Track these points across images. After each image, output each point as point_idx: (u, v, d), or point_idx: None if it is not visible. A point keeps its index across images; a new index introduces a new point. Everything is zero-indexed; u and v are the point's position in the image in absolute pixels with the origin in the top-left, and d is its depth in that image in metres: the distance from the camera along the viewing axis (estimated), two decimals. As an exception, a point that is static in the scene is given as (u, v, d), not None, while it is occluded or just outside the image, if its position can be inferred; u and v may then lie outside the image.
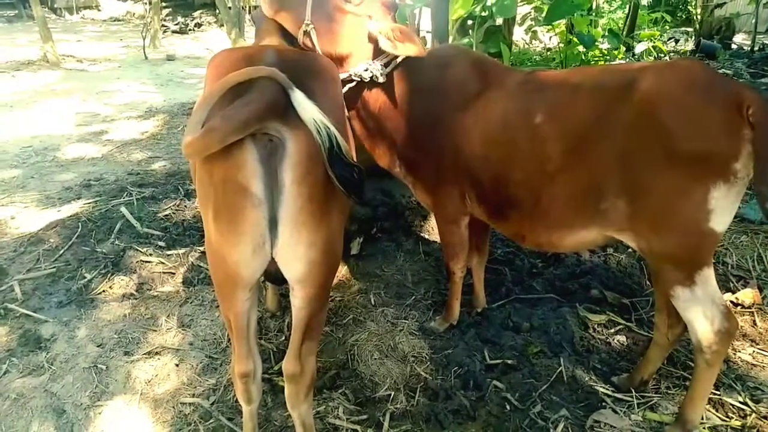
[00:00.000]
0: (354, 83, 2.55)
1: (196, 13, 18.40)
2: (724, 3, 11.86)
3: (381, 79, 2.51)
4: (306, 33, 2.47)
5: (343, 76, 2.53)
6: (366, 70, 2.49)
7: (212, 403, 2.46)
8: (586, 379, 2.58)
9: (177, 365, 2.68)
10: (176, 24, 17.08)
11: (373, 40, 2.49)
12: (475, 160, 2.42)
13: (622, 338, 2.86)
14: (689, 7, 14.66)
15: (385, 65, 2.51)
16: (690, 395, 2.18)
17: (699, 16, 12.42)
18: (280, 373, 2.48)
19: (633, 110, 1.98)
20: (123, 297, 3.19)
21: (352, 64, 2.54)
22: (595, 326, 2.94)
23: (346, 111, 2.57)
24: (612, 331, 2.92)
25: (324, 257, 1.80)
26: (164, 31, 15.41)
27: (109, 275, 3.35)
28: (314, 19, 2.45)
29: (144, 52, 11.76)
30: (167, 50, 12.63)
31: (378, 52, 2.53)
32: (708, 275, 2.02)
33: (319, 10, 2.45)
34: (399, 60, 2.53)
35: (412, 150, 2.63)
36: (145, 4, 15.67)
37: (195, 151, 1.63)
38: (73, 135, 6.44)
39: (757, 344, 2.80)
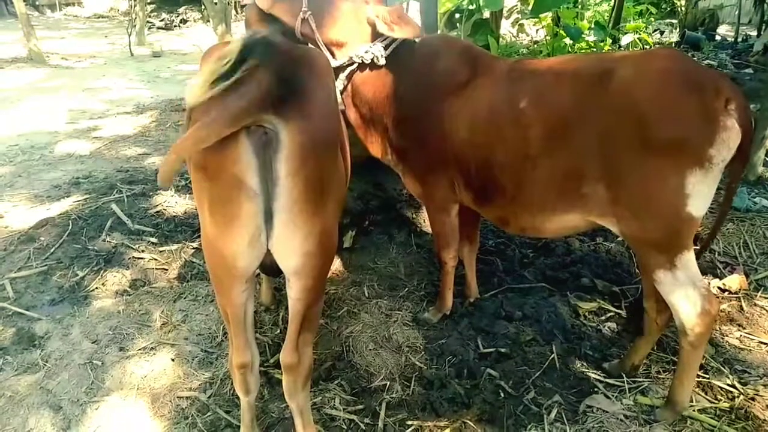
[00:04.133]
0: (355, 65, 2.56)
1: (182, 9, 18.22)
2: (708, -6, 11.98)
3: (381, 61, 2.52)
4: (304, 21, 2.48)
5: (343, 60, 2.55)
6: (367, 51, 2.51)
7: (209, 397, 2.48)
8: (578, 365, 2.63)
9: (173, 360, 2.69)
10: (161, 20, 16.93)
11: (370, 24, 2.51)
12: (463, 146, 2.46)
13: (612, 325, 2.91)
14: (674, -1, 14.77)
15: (385, 47, 2.52)
16: (677, 378, 2.24)
17: (683, 8, 12.53)
18: (276, 365, 2.52)
19: (611, 97, 2.03)
20: (116, 293, 3.18)
21: (351, 49, 2.55)
22: (586, 314, 2.99)
23: (339, 103, 2.59)
24: (602, 318, 2.97)
25: (319, 248, 1.82)
26: (149, 28, 15.27)
27: (101, 272, 3.35)
28: (311, 6, 2.48)
29: (129, 49, 11.66)
30: (153, 46, 12.52)
31: (375, 37, 2.54)
32: (689, 259, 2.07)
33: None
34: (398, 42, 2.54)
35: (402, 137, 2.65)
36: (130, 0, 15.54)
37: (185, 149, 1.63)
38: (61, 133, 6.39)
39: (744, 328, 2.86)
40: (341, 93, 2.66)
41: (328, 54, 2.56)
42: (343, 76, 2.59)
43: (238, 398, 2.13)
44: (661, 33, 12.07)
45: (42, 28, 14.45)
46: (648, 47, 8.84)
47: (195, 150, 1.65)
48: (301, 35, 2.55)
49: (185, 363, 2.67)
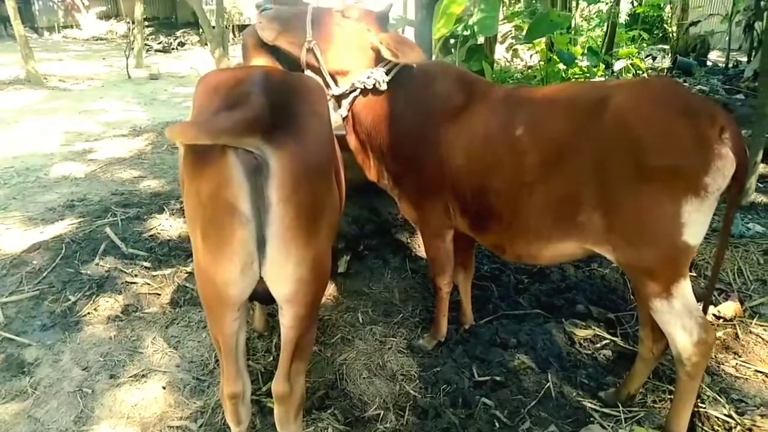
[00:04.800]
0: (357, 91, 2.58)
1: (179, 32, 18.43)
2: (699, 21, 12.18)
3: (383, 86, 2.53)
4: (309, 50, 2.52)
5: (345, 87, 2.57)
6: (368, 77, 2.52)
7: (200, 426, 2.44)
8: (574, 394, 2.60)
9: (164, 388, 2.65)
10: (159, 43, 17.07)
11: (374, 50, 2.53)
12: (459, 171, 2.47)
13: (608, 353, 2.89)
14: (665, 25, 15.02)
15: (387, 72, 2.54)
16: (674, 408, 2.22)
17: (675, 34, 12.74)
18: (268, 394, 2.48)
19: (607, 125, 2.05)
20: (108, 319, 3.15)
21: (354, 76, 2.57)
22: (582, 341, 2.97)
23: (341, 127, 2.61)
24: (598, 345, 2.95)
25: (312, 276, 1.81)
26: (147, 50, 15.38)
27: (93, 297, 3.32)
28: (315, 36, 2.51)
29: (127, 71, 11.73)
30: (150, 69, 12.60)
31: (377, 62, 2.56)
32: (685, 287, 2.06)
33: (319, 28, 2.52)
34: (399, 67, 2.55)
35: (399, 162, 2.66)
36: (128, 23, 15.66)
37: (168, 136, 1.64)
38: (56, 155, 6.39)
39: (740, 357, 2.84)
40: (343, 120, 2.68)
41: (331, 82, 2.60)
42: (346, 102, 2.61)
43: (229, 428, 2.09)
44: (654, 58, 12.26)
45: (40, 50, 14.53)
46: (640, 72, 8.96)
47: (173, 140, 1.64)
48: (307, 64, 2.58)
49: (176, 391, 2.63)
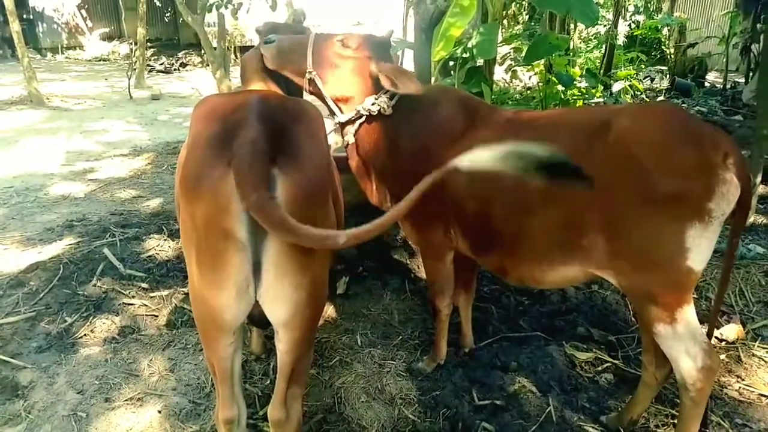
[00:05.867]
0: (363, 118, 2.60)
1: (181, 53, 18.53)
2: (696, 43, 12.29)
3: (388, 111, 2.56)
4: (311, 81, 2.58)
5: (350, 114, 2.60)
6: (374, 104, 2.55)
7: (195, 451, 2.40)
8: (575, 419, 2.56)
9: (159, 412, 2.61)
10: (161, 64, 17.17)
11: (374, 78, 2.56)
12: (460, 195, 2.46)
13: (609, 376, 2.85)
14: (663, 47, 15.15)
15: (390, 98, 2.57)
16: (678, 434, 2.18)
17: (673, 56, 12.85)
18: (265, 418, 2.43)
19: (610, 150, 2.04)
20: (105, 341, 3.12)
21: (358, 103, 2.60)
22: (583, 364, 2.94)
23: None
24: (599, 369, 2.91)
25: (309, 300, 1.79)
26: (149, 71, 15.49)
27: (90, 318, 3.29)
28: (316, 66, 2.57)
29: (129, 92, 11.79)
30: (152, 90, 12.67)
31: (379, 89, 2.59)
32: (689, 312, 2.04)
33: (320, 57, 2.57)
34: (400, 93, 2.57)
35: (401, 184, 2.66)
36: (130, 44, 15.81)
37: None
38: (56, 174, 6.39)
39: (743, 380, 2.81)
40: (345, 147, 2.70)
41: (336, 109, 2.63)
42: (352, 129, 2.64)
43: (224, 454, 2.05)
44: (652, 80, 12.32)
45: (43, 70, 14.64)
46: (639, 93, 9.02)
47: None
48: (310, 93, 2.63)
49: (172, 415, 2.60)
